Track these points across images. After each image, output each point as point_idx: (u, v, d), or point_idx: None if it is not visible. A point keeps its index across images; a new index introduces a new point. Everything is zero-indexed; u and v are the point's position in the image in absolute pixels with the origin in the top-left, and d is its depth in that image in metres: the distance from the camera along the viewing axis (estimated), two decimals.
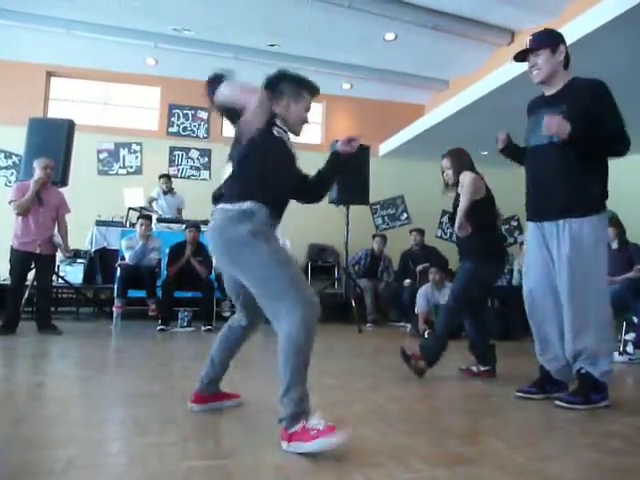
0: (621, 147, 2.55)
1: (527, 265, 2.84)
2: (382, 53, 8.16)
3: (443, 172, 3.59)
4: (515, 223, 9.97)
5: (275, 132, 2.20)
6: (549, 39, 2.68)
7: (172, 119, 9.24)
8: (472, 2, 6.76)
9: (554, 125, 2.47)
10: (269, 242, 2.04)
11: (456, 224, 3.29)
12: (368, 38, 7.70)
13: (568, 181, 2.58)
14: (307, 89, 2.33)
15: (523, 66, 2.85)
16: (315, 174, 2.40)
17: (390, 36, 7.67)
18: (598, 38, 4.66)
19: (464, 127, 7.60)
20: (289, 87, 2.29)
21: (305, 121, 2.36)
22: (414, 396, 2.87)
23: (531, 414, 2.53)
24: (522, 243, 6.76)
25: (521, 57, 2.76)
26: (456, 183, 3.49)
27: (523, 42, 2.77)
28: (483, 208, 3.38)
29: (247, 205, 2.05)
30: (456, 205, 3.44)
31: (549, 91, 2.72)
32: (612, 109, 2.53)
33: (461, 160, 3.53)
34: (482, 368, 3.43)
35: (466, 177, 3.36)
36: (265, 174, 2.12)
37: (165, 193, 7.72)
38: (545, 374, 2.81)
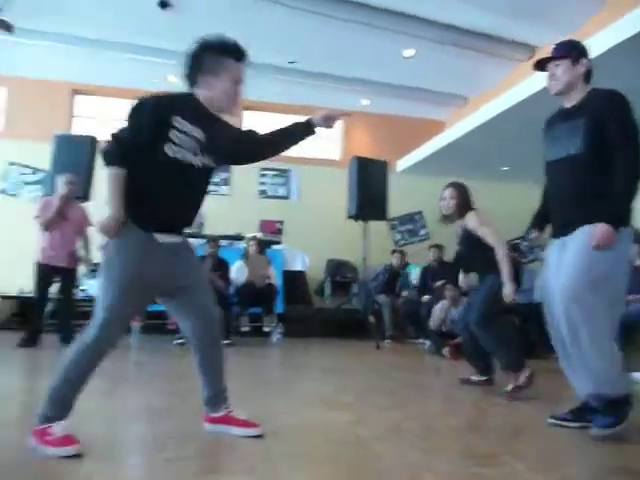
0: None
1: (546, 278, 2.68)
2: (401, 69, 8.20)
3: (442, 200, 3.68)
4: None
5: (169, 149, 1.95)
6: (571, 50, 2.61)
7: None
8: (492, 18, 6.78)
9: (601, 237, 2.33)
10: (124, 263, 1.95)
11: (508, 287, 3.36)
12: (387, 54, 7.76)
13: (588, 193, 2.47)
14: (230, 56, 2.03)
15: (544, 81, 2.80)
16: (270, 131, 2.13)
17: (409, 52, 7.72)
18: (616, 55, 4.63)
19: (484, 143, 7.59)
20: (208, 60, 2.01)
21: (235, 95, 2.06)
22: (432, 414, 2.84)
23: (554, 435, 2.48)
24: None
25: (541, 66, 2.70)
26: (456, 215, 3.62)
27: (543, 57, 2.73)
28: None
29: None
30: (463, 242, 3.62)
31: (568, 104, 2.63)
32: (625, 123, 2.42)
33: (466, 193, 3.66)
34: (481, 378, 3.53)
35: (484, 228, 3.47)
36: (145, 197, 1.98)
37: None
38: (584, 401, 2.55)
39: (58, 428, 1.91)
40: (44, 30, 7.32)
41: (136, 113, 1.97)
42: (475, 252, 3.56)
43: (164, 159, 1.96)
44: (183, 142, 1.98)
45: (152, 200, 1.99)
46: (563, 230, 2.58)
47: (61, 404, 1.98)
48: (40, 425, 1.93)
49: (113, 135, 1.96)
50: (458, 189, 3.65)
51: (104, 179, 1.96)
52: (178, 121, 1.97)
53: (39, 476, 1.68)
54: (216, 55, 2.02)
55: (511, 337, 3.49)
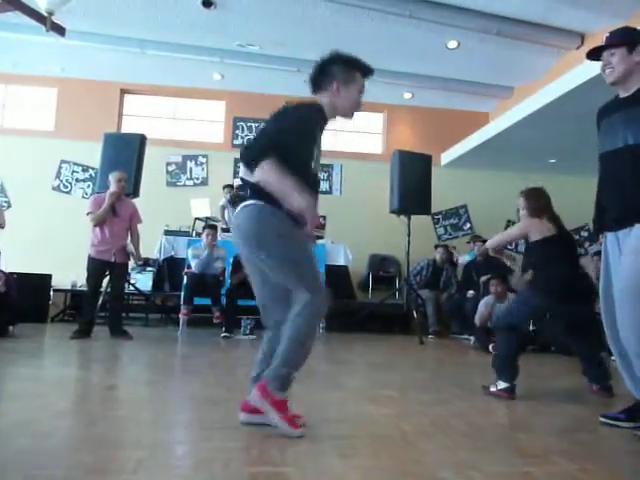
0: None
1: (605, 277, 2.58)
2: (444, 61, 8.07)
3: (518, 211, 3.54)
4: (585, 233, 9.54)
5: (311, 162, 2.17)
6: (627, 37, 2.48)
7: (237, 132, 9.51)
8: (538, 6, 6.59)
9: None
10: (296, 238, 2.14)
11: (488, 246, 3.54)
12: (430, 47, 7.65)
13: None
14: (360, 70, 2.26)
15: (595, 69, 2.70)
16: None
17: (452, 44, 7.58)
18: None
19: (531, 134, 7.39)
20: (339, 70, 2.22)
21: (358, 104, 2.28)
22: (478, 411, 2.79)
23: (606, 435, 2.41)
24: (595, 253, 6.46)
25: (595, 55, 2.58)
26: None
27: (594, 44, 2.63)
28: (543, 248, 3.34)
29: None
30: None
31: (624, 93, 2.51)
32: None
33: (534, 201, 3.46)
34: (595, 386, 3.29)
35: (521, 223, 3.44)
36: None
37: (230, 203, 7.93)
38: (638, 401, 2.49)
39: (290, 406, 2.12)
40: (93, 31, 7.55)
41: (299, 119, 2.12)
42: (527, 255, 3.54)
43: (304, 169, 2.15)
44: (318, 157, 2.23)
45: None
46: (618, 224, 2.47)
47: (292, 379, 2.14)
48: (277, 393, 2.08)
49: (256, 140, 2.09)
50: (526, 197, 3.48)
51: (260, 176, 2.03)
52: (320, 139, 2.23)
53: (93, 461, 1.75)
54: (348, 67, 2.24)
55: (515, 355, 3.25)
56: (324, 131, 2.30)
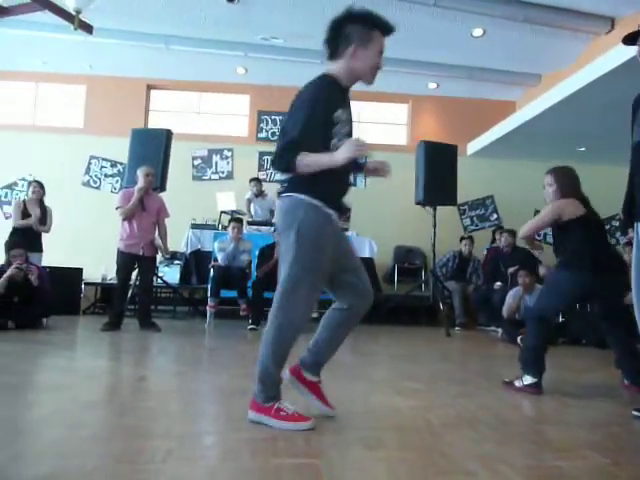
0: None
1: (637, 267, 2.50)
2: (470, 50, 7.94)
3: (544, 187, 3.38)
4: (616, 223, 9.32)
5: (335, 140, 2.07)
6: None
7: (261, 125, 9.53)
8: None
9: None
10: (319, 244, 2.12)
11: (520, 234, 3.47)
12: (455, 35, 7.53)
13: None
14: (378, 28, 2.08)
15: (625, 55, 2.62)
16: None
17: (478, 32, 7.45)
18: None
19: (559, 123, 7.24)
20: (356, 30, 2.05)
21: (378, 67, 2.11)
22: (505, 404, 2.76)
23: (637, 430, 2.36)
24: (627, 243, 6.33)
25: (631, 40, 2.50)
26: None
27: (625, 29, 2.54)
28: (576, 227, 3.19)
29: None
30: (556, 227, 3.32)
31: None
32: None
33: (567, 180, 3.31)
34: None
35: (551, 204, 3.27)
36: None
37: (256, 196, 7.98)
38: None
39: (287, 405, 2.11)
40: (119, 28, 7.64)
41: (308, 108, 2.00)
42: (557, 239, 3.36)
43: (331, 148, 2.05)
44: (343, 133, 2.08)
45: (329, 181, 2.05)
46: None
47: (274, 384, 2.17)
48: (265, 404, 2.11)
49: (283, 145, 2.01)
50: (556, 176, 3.31)
51: (300, 167, 1.99)
52: (339, 114, 2.06)
53: (123, 451, 1.79)
54: (366, 27, 2.06)
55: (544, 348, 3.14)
56: (348, 98, 2.16)
